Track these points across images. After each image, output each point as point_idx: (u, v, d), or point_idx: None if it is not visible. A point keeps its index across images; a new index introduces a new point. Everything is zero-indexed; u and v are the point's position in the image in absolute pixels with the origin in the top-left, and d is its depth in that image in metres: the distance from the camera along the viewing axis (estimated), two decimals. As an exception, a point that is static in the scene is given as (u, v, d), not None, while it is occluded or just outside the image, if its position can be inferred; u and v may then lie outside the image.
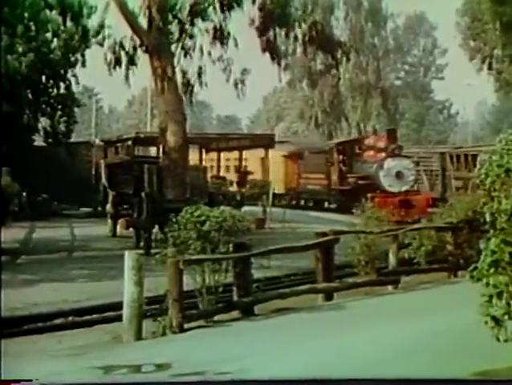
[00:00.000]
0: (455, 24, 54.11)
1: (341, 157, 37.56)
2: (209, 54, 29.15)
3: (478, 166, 7.61)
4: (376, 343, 9.63)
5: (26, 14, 33.92)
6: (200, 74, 29.25)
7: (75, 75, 37.58)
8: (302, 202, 42.65)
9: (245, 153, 39.48)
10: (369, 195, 30.11)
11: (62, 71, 36.97)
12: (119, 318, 12.10)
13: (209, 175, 33.44)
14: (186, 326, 11.80)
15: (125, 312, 11.70)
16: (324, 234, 14.99)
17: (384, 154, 34.80)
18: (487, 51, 47.10)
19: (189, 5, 28.55)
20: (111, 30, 29.90)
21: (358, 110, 73.70)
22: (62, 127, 37.79)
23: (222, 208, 13.23)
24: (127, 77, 29.11)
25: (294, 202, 42.47)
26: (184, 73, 29.03)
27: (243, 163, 39.88)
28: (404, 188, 33.99)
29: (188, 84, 29.15)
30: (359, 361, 8.57)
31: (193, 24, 28.92)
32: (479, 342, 7.53)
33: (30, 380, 4.41)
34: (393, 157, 34.39)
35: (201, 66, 29.20)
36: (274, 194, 38.57)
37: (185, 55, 28.95)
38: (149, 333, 11.71)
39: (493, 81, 49.61)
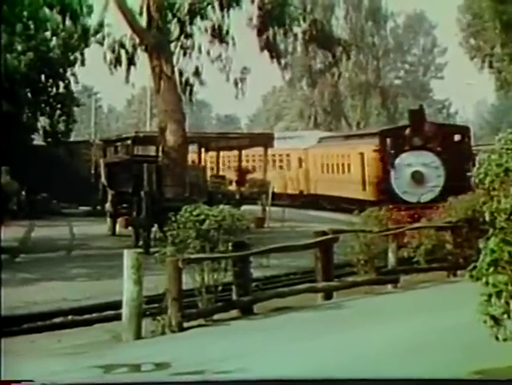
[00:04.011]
0: (456, 20, 53.90)
1: (388, 150, 26.51)
2: (208, 53, 29.18)
3: (477, 165, 7.59)
4: (376, 342, 9.63)
5: (25, 13, 33.89)
6: (198, 73, 29.25)
7: (74, 74, 37.58)
8: None
9: (347, 151, 38.16)
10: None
11: (61, 70, 36.95)
12: (118, 317, 12.09)
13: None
14: (185, 325, 11.79)
15: (124, 311, 11.69)
16: (323, 233, 14.96)
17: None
18: (487, 50, 47.04)
19: (188, 3, 28.55)
20: (111, 29, 29.89)
21: (357, 109, 73.71)
22: (61, 126, 37.80)
23: (221, 207, 13.20)
24: (127, 77, 29.16)
25: None
26: (183, 72, 29.04)
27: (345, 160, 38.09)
28: (424, 198, 24.24)
29: (187, 83, 29.16)
30: (358, 360, 8.56)
31: (192, 23, 28.93)
32: (478, 341, 7.52)
33: (31, 380, 4.40)
34: (410, 151, 24.97)
35: (200, 65, 29.25)
36: (364, 201, 33.68)
37: (184, 54, 28.96)
38: (148, 332, 11.70)
39: (493, 80, 49.56)
